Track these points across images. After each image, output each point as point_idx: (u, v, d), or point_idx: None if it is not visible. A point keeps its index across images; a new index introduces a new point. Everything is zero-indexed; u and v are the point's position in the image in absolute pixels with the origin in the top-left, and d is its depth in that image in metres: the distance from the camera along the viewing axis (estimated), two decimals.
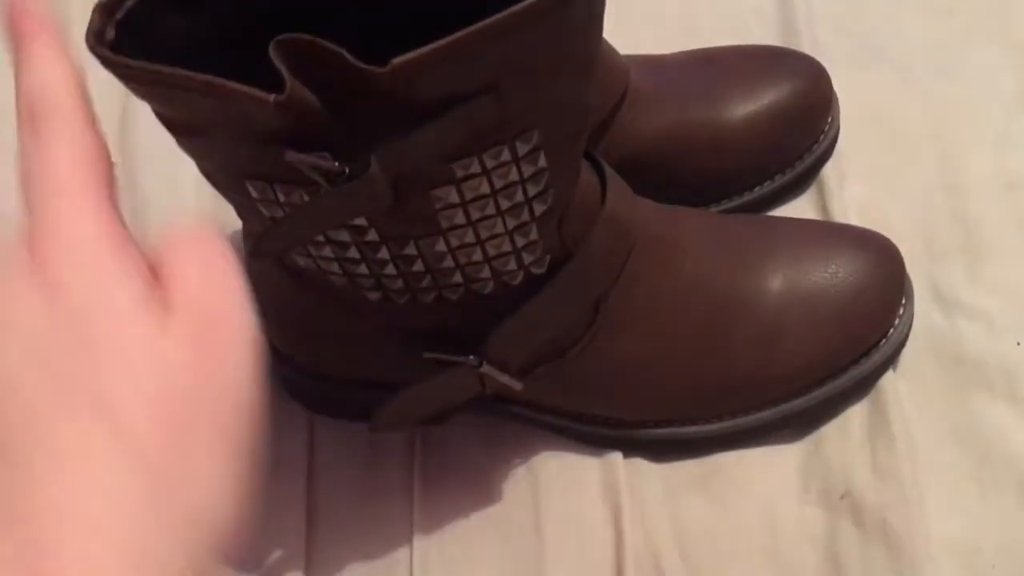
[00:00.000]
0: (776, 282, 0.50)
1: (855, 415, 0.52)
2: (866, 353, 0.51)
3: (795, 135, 0.58)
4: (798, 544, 0.50)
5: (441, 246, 0.40)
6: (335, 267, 0.42)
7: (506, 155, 0.38)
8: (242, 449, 0.31)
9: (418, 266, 0.41)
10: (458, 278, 0.42)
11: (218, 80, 0.33)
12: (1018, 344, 0.54)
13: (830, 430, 0.52)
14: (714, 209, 0.58)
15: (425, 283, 0.42)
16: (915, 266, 0.54)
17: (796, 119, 0.57)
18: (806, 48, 0.62)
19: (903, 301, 0.52)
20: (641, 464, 0.52)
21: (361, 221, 0.39)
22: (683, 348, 0.49)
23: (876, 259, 0.52)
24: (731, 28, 0.65)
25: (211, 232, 0.32)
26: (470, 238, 0.40)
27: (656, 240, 0.48)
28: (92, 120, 0.31)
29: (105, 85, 0.66)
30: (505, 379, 0.46)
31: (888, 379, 0.53)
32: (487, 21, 0.32)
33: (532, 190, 0.40)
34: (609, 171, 0.46)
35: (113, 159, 0.63)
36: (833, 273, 0.51)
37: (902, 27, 0.66)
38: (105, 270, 0.28)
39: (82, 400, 0.27)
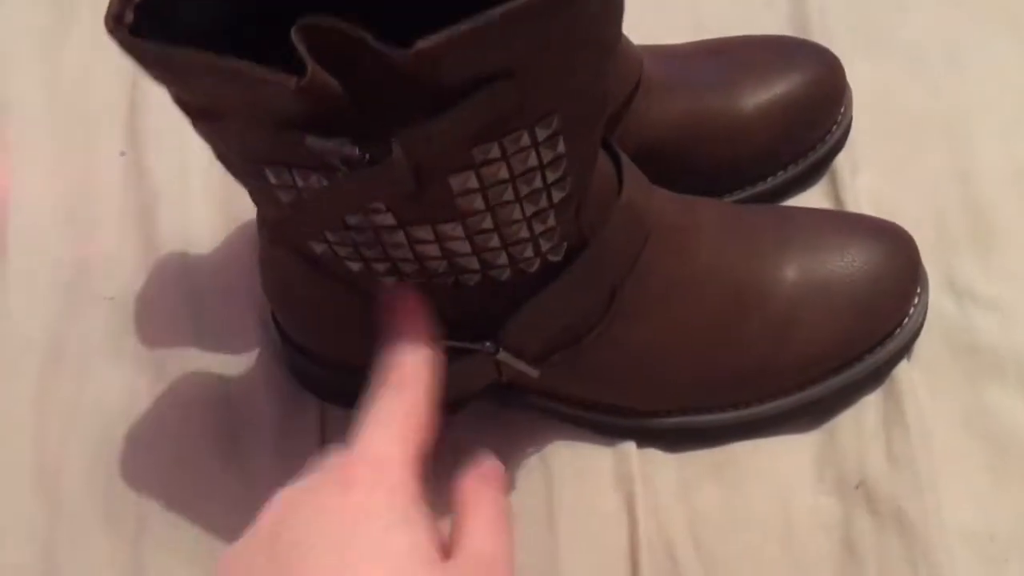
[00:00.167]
0: (791, 271, 0.50)
1: (869, 404, 0.52)
2: (881, 342, 0.51)
3: (808, 125, 0.58)
4: (812, 533, 0.50)
5: (459, 231, 0.40)
6: (351, 252, 0.42)
7: (526, 140, 0.37)
8: None
9: (435, 251, 0.41)
10: (475, 264, 0.42)
11: (237, 63, 0.33)
12: None
13: (844, 419, 0.52)
14: (727, 199, 0.58)
15: (442, 269, 0.42)
16: (928, 255, 0.54)
17: (809, 109, 0.57)
18: (817, 39, 0.62)
19: (918, 290, 0.52)
20: (655, 453, 0.52)
21: (379, 205, 0.39)
22: (698, 337, 0.49)
23: (891, 248, 0.52)
24: (743, 19, 0.65)
25: (497, 473, 0.40)
26: (488, 224, 0.40)
27: (672, 229, 0.48)
28: (431, 393, 0.39)
29: (114, 72, 0.67)
30: (522, 366, 0.46)
31: (902, 368, 0.53)
32: (510, 4, 0.32)
33: (551, 176, 0.40)
34: (625, 159, 0.46)
35: (122, 149, 0.64)
36: (848, 262, 0.51)
37: (913, 17, 0.66)
38: (404, 507, 0.35)
39: None
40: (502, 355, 0.45)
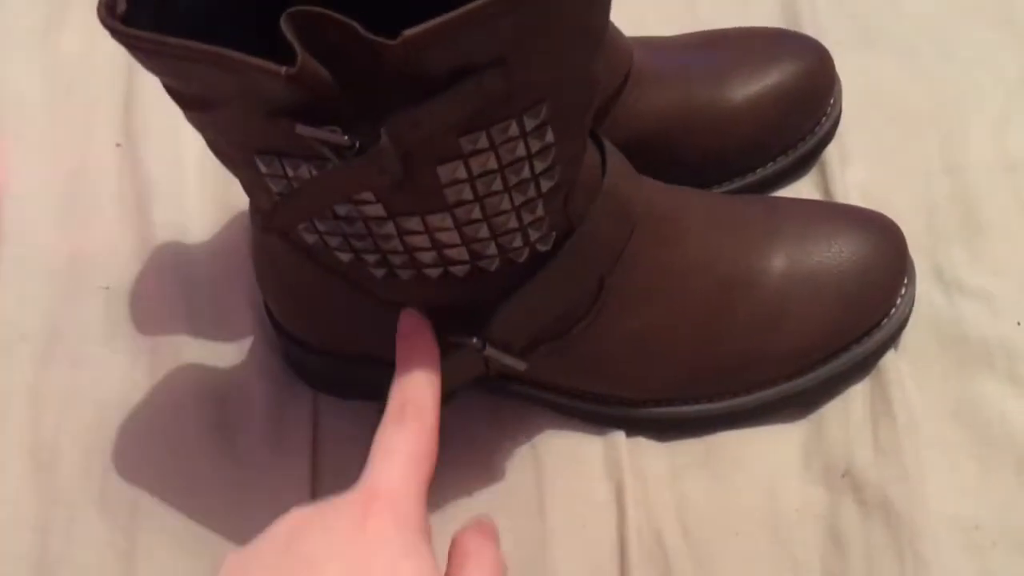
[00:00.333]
0: (779, 262, 0.51)
1: (857, 394, 0.53)
2: (868, 333, 0.52)
3: (798, 116, 0.58)
4: (800, 522, 0.50)
5: (448, 222, 0.40)
6: (341, 243, 0.42)
7: (514, 130, 0.38)
8: None
9: (424, 242, 0.41)
10: (464, 255, 0.42)
11: (229, 52, 0.33)
12: (1018, 324, 0.55)
13: (832, 409, 0.53)
14: (716, 190, 0.58)
15: (431, 259, 0.43)
16: (916, 247, 0.54)
17: (799, 100, 0.57)
18: (808, 30, 0.62)
19: (905, 281, 0.53)
20: (644, 442, 0.53)
21: (368, 196, 0.39)
22: (686, 327, 0.50)
23: (879, 239, 0.52)
24: (734, 11, 0.66)
25: (493, 529, 0.43)
26: (477, 214, 0.40)
27: (660, 219, 0.48)
28: (437, 426, 0.41)
29: (109, 64, 0.68)
30: (509, 360, 0.46)
31: (890, 358, 0.53)
32: None
33: (539, 166, 0.40)
34: (610, 148, 0.46)
35: (118, 141, 0.65)
36: (836, 253, 0.51)
37: (904, 9, 0.67)
38: (414, 540, 0.37)
39: None
40: (489, 351, 0.45)
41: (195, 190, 0.62)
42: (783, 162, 0.58)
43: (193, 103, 0.38)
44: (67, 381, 0.56)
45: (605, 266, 0.46)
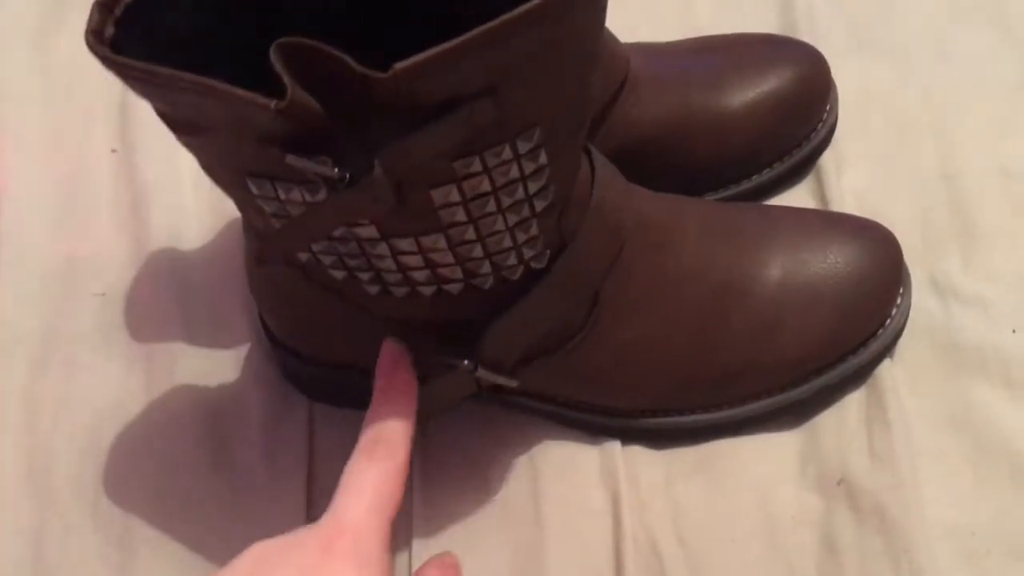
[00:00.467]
0: (774, 271, 0.51)
1: (852, 402, 0.53)
2: (864, 342, 0.52)
3: (794, 123, 0.58)
4: (795, 529, 0.51)
5: (441, 243, 0.40)
6: (335, 261, 0.42)
7: (507, 153, 0.38)
8: None
9: (418, 262, 0.41)
10: (458, 274, 0.42)
11: (217, 84, 0.33)
12: (1014, 332, 0.55)
13: (827, 417, 0.53)
14: (712, 197, 0.58)
15: (424, 278, 0.42)
16: (912, 254, 0.54)
17: (795, 107, 0.57)
18: (804, 36, 0.62)
19: (901, 290, 0.53)
20: (639, 451, 0.53)
21: (361, 219, 0.39)
22: (680, 336, 0.50)
23: (874, 248, 0.52)
24: (729, 17, 0.65)
25: (455, 564, 0.45)
26: (471, 235, 0.40)
27: (653, 228, 0.48)
28: (407, 465, 0.42)
29: (105, 76, 0.67)
30: (501, 380, 0.46)
31: (885, 367, 0.53)
32: (488, 25, 0.32)
33: (533, 187, 0.40)
34: (600, 160, 0.46)
35: (113, 148, 0.65)
36: (832, 263, 0.51)
37: (899, 15, 0.66)
38: (374, 560, 0.38)
39: None
40: (481, 372, 0.45)
41: (191, 196, 0.61)
42: (779, 168, 0.58)
43: (184, 127, 0.38)
44: (62, 386, 0.56)
45: (597, 280, 0.46)
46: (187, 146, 0.40)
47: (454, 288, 0.43)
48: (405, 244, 0.40)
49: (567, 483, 0.52)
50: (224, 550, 0.51)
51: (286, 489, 0.52)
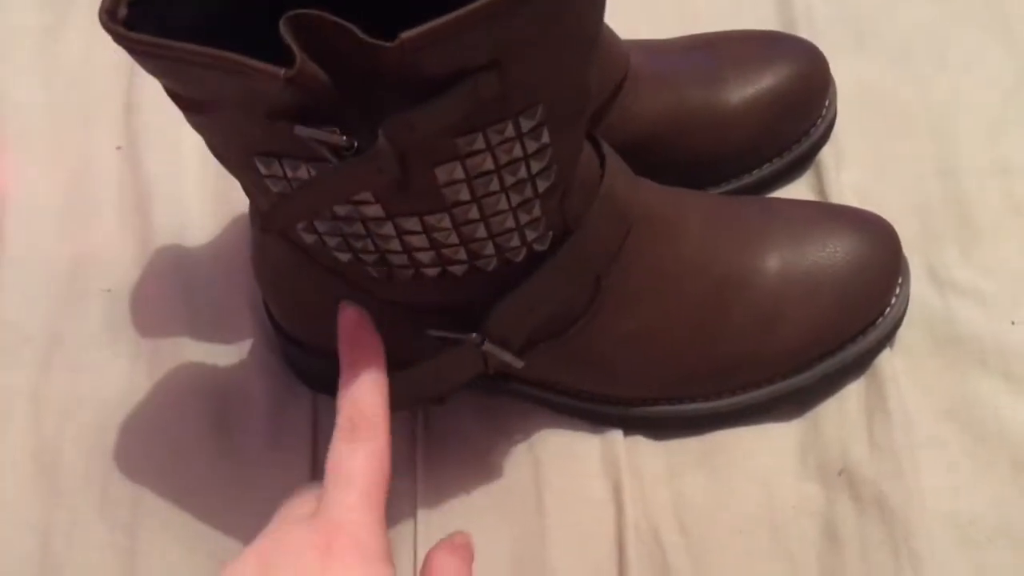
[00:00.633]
0: (774, 262, 0.51)
1: (852, 392, 0.53)
2: (863, 331, 0.52)
3: (793, 119, 0.58)
4: (796, 519, 0.51)
5: (446, 222, 0.41)
6: (340, 243, 0.43)
7: (510, 131, 0.38)
8: None
9: (422, 242, 0.42)
10: (462, 255, 0.43)
11: (228, 55, 0.34)
12: (1012, 323, 0.55)
13: (827, 407, 0.53)
14: (712, 192, 0.58)
15: (429, 259, 0.43)
16: (911, 247, 0.55)
17: (794, 103, 0.58)
18: (803, 33, 0.63)
19: (900, 280, 0.53)
20: (641, 441, 0.53)
21: (367, 196, 0.40)
22: (683, 326, 0.50)
23: (873, 239, 0.53)
24: (730, 14, 0.66)
25: (467, 545, 0.44)
26: (474, 214, 0.41)
27: (657, 220, 0.49)
28: (389, 440, 0.41)
29: (111, 67, 0.68)
30: (507, 357, 0.47)
31: (884, 357, 0.53)
32: None
33: (536, 166, 0.40)
34: (608, 150, 0.47)
35: (118, 144, 0.65)
36: (831, 253, 0.51)
37: (898, 12, 0.67)
38: (374, 553, 0.38)
39: None
40: (487, 346, 0.46)
41: (195, 193, 0.62)
42: (778, 164, 0.59)
43: (193, 106, 0.39)
44: (69, 384, 0.57)
45: (602, 266, 0.47)
46: (196, 126, 0.40)
47: (458, 270, 0.44)
48: (410, 224, 0.41)
49: (569, 472, 0.52)
50: (230, 539, 0.51)
51: (291, 479, 0.52)
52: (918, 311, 0.55)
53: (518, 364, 0.47)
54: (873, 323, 0.52)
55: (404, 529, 0.52)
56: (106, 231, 0.62)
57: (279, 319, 0.53)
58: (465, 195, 0.40)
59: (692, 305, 0.50)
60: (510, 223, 0.42)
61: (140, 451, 0.54)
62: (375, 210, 0.40)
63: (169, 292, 0.59)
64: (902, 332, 0.54)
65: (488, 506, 0.52)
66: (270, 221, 0.41)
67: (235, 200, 0.61)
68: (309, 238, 0.43)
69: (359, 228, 0.41)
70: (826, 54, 0.59)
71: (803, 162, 0.60)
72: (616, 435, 0.53)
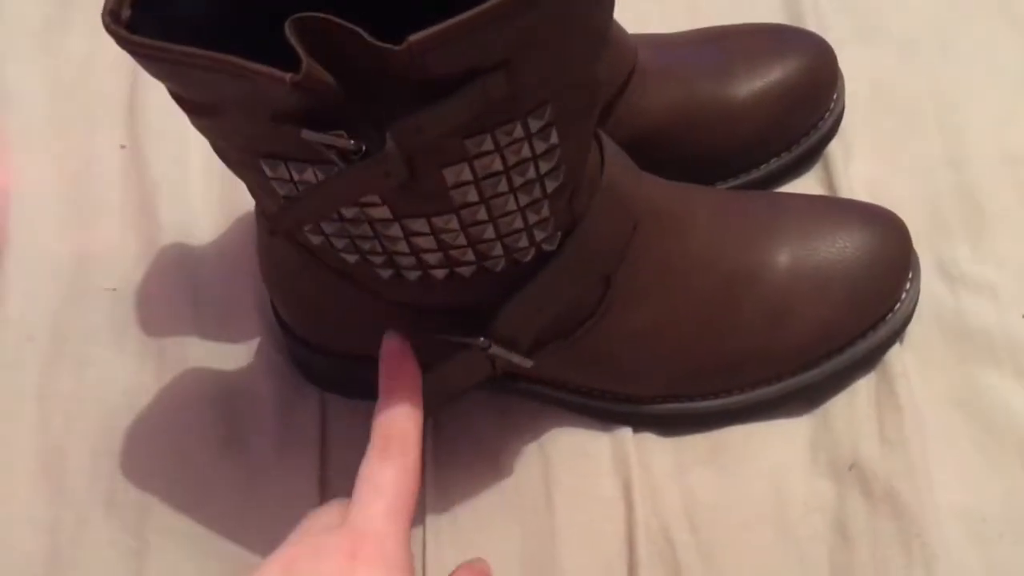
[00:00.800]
0: (784, 257, 0.51)
1: (862, 387, 0.53)
2: (873, 327, 0.52)
3: (801, 112, 0.58)
4: (807, 515, 0.51)
5: (454, 224, 0.41)
6: (347, 245, 0.43)
7: (519, 132, 0.38)
8: None
9: (430, 243, 0.42)
10: (470, 256, 0.43)
11: (233, 59, 0.34)
12: (1022, 317, 0.55)
13: (838, 402, 0.53)
14: (720, 186, 0.58)
15: (436, 260, 0.43)
16: (920, 241, 0.55)
17: (802, 96, 0.57)
18: (810, 26, 0.63)
19: (910, 275, 0.53)
20: (651, 438, 0.53)
21: (374, 198, 0.39)
22: (692, 323, 0.50)
23: (883, 234, 0.52)
24: (735, 7, 0.66)
25: (484, 572, 0.46)
26: (482, 215, 0.41)
27: (664, 215, 0.49)
28: (421, 459, 0.42)
29: (113, 66, 0.68)
30: (515, 359, 0.46)
31: (895, 352, 0.53)
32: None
33: (544, 167, 0.40)
34: (609, 145, 0.46)
35: (122, 143, 0.65)
36: (841, 248, 0.51)
37: (905, 4, 0.67)
38: (398, 563, 0.39)
39: None
40: (495, 349, 0.46)
41: (200, 191, 0.62)
42: (787, 158, 0.58)
43: (198, 109, 0.38)
44: (74, 383, 0.56)
45: (608, 263, 0.47)
46: (201, 129, 0.40)
47: (466, 271, 0.43)
48: (417, 225, 0.41)
49: (578, 471, 0.52)
50: (238, 539, 0.51)
51: (299, 479, 0.52)
52: (928, 305, 0.55)
53: (527, 364, 0.47)
54: (883, 319, 0.52)
55: (414, 529, 0.51)
56: (110, 230, 0.61)
57: (286, 318, 0.53)
58: (473, 196, 0.40)
59: (700, 301, 0.50)
60: (518, 224, 0.42)
61: (147, 452, 0.54)
62: (382, 212, 0.40)
63: (174, 291, 0.59)
64: (912, 327, 0.54)
65: (498, 504, 0.52)
66: (277, 223, 0.41)
67: (241, 198, 0.60)
68: (316, 239, 0.43)
69: (366, 230, 0.41)
70: (834, 47, 0.59)
71: (811, 156, 0.60)
72: (626, 433, 0.52)
